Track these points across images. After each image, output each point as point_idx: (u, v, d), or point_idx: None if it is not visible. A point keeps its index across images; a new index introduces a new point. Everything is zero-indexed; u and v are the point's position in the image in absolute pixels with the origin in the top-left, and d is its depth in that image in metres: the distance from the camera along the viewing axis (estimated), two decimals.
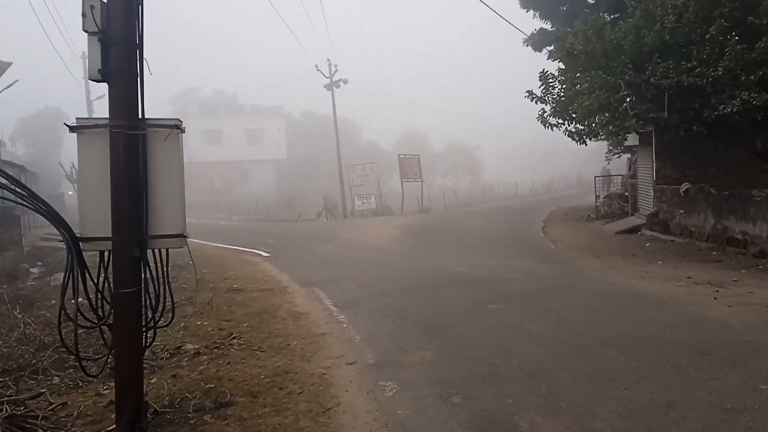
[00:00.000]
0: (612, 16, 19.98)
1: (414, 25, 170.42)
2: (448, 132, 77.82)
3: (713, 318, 7.33)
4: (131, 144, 4.34)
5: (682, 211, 15.98)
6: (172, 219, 4.56)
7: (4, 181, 4.05)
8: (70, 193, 36.96)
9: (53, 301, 10.67)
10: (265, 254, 15.90)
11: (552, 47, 25.28)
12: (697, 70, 12.22)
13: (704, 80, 12.09)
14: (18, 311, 9.72)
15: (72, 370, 6.58)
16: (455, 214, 29.02)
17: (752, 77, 11.20)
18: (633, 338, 6.49)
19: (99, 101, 32.50)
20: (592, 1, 23.40)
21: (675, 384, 5.02)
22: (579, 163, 76.57)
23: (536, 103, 15.69)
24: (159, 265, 4.66)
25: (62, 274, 12.58)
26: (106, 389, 5.92)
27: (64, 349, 7.06)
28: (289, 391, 5.52)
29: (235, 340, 7.32)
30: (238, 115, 59.40)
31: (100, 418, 5.16)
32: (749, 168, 16.08)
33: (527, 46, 26.24)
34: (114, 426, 4.94)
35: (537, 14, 25.86)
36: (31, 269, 15.20)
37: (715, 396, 4.70)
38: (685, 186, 15.77)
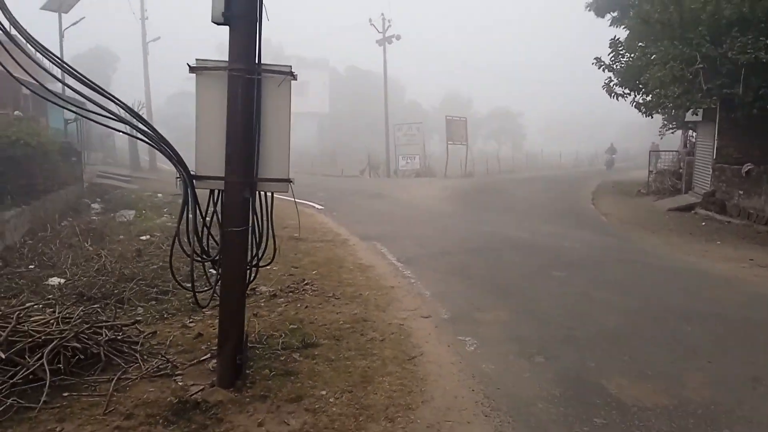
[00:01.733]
0: None
1: None
2: (492, 95, 76.64)
3: None
4: (248, 88, 4.44)
5: (741, 192, 15.60)
6: (280, 164, 4.70)
7: (134, 121, 4.25)
8: (120, 133, 37.67)
9: (121, 237, 11.07)
10: (319, 207, 16.16)
11: (615, 13, 24.55)
12: None
13: None
14: (89, 244, 10.16)
15: (155, 301, 6.93)
16: (500, 180, 28.82)
17: None
18: (707, 314, 6.50)
19: (154, 43, 32.67)
20: None
21: (758, 360, 5.07)
22: (625, 137, 74.81)
23: (603, 71, 15.34)
24: (264, 206, 4.81)
25: (128, 212, 12.98)
26: (191, 322, 6.22)
27: (144, 282, 7.52)
28: (370, 337, 5.72)
29: (308, 286, 7.55)
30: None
31: (191, 349, 5.43)
32: None
33: (589, 10, 25.41)
34: (207, 356, 5.27)
35: None
36: (92, 204, 15.71)
37: None
38: (747, 166, 15.34)
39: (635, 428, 3.95)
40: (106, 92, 4.24)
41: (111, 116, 4.34)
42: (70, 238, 10.45)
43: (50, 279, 7.82)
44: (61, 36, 24.38)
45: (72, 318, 5.17)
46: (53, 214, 12.26)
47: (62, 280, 7.68)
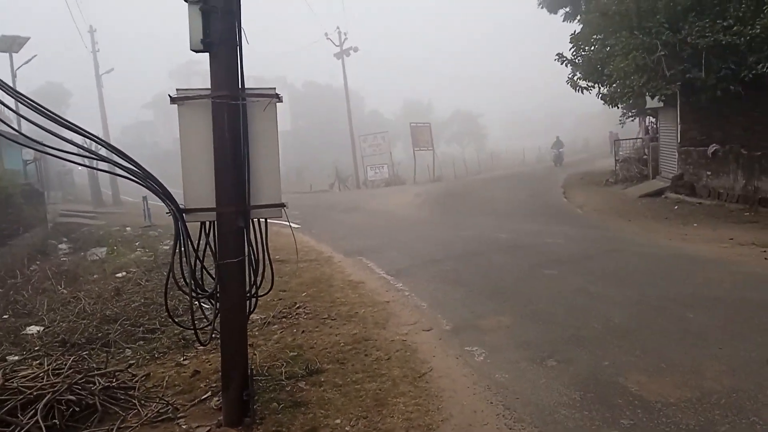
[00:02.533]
0: None
1: None
2: (451, 98, 77.34)
3: None
4: (233, 114, 4.30)
5: (709, 173, 15.92)
6: (272, 189, 4.56)
7: (118, 159, 4.04)
8: (80, 168, 36.74)
9: (95, 276, 10.73)
10: (295, 225, 15.90)
11: (568, 8, 24.95)
12: (734, 28, 12.07)
13: (741, 39, 11.94)
14: (63, 286, 9.79)
15: (142, 341, 6.66)
16: (469, 182, 28.94)
17: None
18: (705, 298, 6.52)
19: (107, 75, 32.03)
20: None
21: (767, 342, 5.06)
22: (582, 128, 76.23)
23: (566, 66, 15.50)
24: (258, 234, 4.64)
25: (99, 249, 12.60)
26: (185, 360, 5.98)
27: (129, 322, 7.23)
28: (375, 357, 5.56)
29: (300, 310, 7.37)
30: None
31: (190, 388, 5.20)
32: None
33: (542, 8, 25.80)
34: (208, 393, 5.04)
35: None
36: (59, 245, 15.24)
37: None
38: (713, 147, 15.67)
39: (663, 426, 3.87)
40: (87, 132, 4.01)
41: (91, 155, 4.12)
42: (42, 283, 10.07)
43: (28, 328, 7.50)
44: (14, 76, 23.81)
45: (62, 369, 4.89)
46: (21, 259, 11.83)
47: (41, 328, 7.37)
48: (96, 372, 5.17)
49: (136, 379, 5.38)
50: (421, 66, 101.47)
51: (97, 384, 4.87)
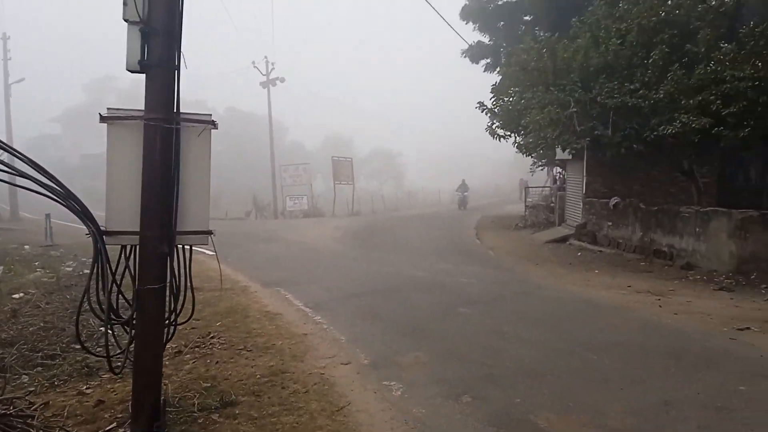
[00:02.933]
0: (546, 34, 20.94)
1: (347, 26, 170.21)
2: (372, 136, 78.62)
3: (668, 325, 7.93)
4: (166, 138, 4.25)
5: (610, 224, 16.99)
6: (200, 216, 4.53)
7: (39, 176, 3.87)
8: None
9: None
10: (210, 253, 15.47)
11: (489, 60, 26.26)
12: (640, 92, 13.15)
13: (646, 102, 13.02)
14: None
15: (41, 368, 6.25)
16: (387, 219, 29.36)
17: (691, 101, 12.19)
18: (607, 343, 6.93)
19: (17, 85, 30.23)
20: (529, 19, 24.39)
21: (664, 385, 5.45)
22: (495, 173, 79.50)
23: (486, 114, 16.25)
24: (181, 261, 4.55)
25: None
26: (87, 388, 5.68)
27: (26, 347, 6.78)
28: (292, 390, 5.51)
29: (215, 339, 7.18)
30: None
31: (93, 418, 4.94)
32: (671, 185, 17.50)
33: (465, 57, 26.97)
34: (113, 425, 4.81)
35: (476, 27, 26.59)
36: None
37: (703, 396, 5.14)
38: (614, 200, 16.78)
39: None
40: (6, 145, 3.83)
41: (11, 171, 3.92)
42: None
43: None
44: None
45: None
46: None
47: None
48: None
49: (35, 407, 5.03)
50: (344, 102, 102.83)
51: None
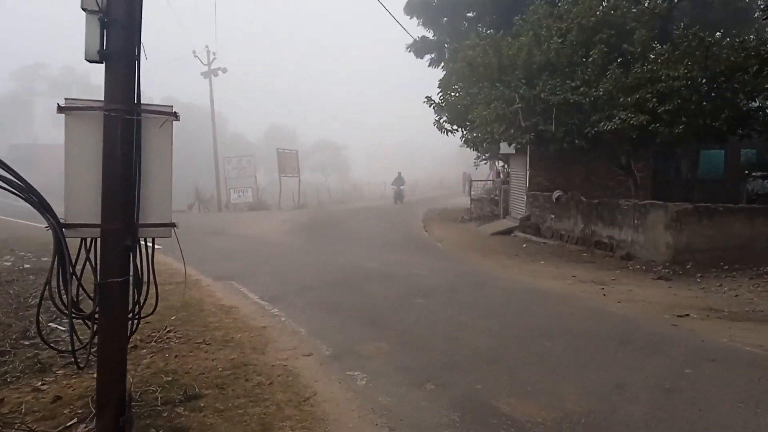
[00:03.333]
0: (489, 31, 21.39)
1: (290, 17, 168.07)
2: (316, 128, 78.18)
3: (613, 312, 8.33)
4: (127, 129, 4.17)
5: (553, 216, 17.56)
6: (162, 208, 4.46)
7: None
8: None
9: None
10: (157, 246, 15.11)
11: (433, 55, 26.60)
12: (581, 89, 13.65)
13: (587, 99, 13.53)
14: None
15: None
16: (334, 211, 29.33)
17: (629, 99, 12.75)
18: (557, 330, 7.22)
19: None
20: (472, 15, 24.83)
21: (615, 369, 5.75)
22: (439, 167, 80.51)
23: (433, 109, 16.47)
24: (143, 254, 4.49)
25: None
26: (42, 384, 5.51)
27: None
28: (256, 382, 5.51)
29: (171, 333, 7.06)
30: (91, 96, 54.85)
31: (52, 414, 4.83)
32: (609, 179, 18.23)
33: (410, 51, 27.21)
34: (74, 420, 4.71)
35: (420, 22, 26.86)
36: None
37: (652, 379, 5.45)
38: (557, 193, 17.34)
39: None
40: None
41: None
42: None
43: None
44: None
45: None
46: None
47: None
48: None
49: None
50: (288, 94, 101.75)
51: None
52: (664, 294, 9.71)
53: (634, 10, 15.18)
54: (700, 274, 11.27)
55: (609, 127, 13.02)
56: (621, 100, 12.94)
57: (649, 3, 15.31)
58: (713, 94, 12.87)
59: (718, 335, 7.05)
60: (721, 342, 6.75)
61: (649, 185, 18.07)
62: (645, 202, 13.61)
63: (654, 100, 12.66)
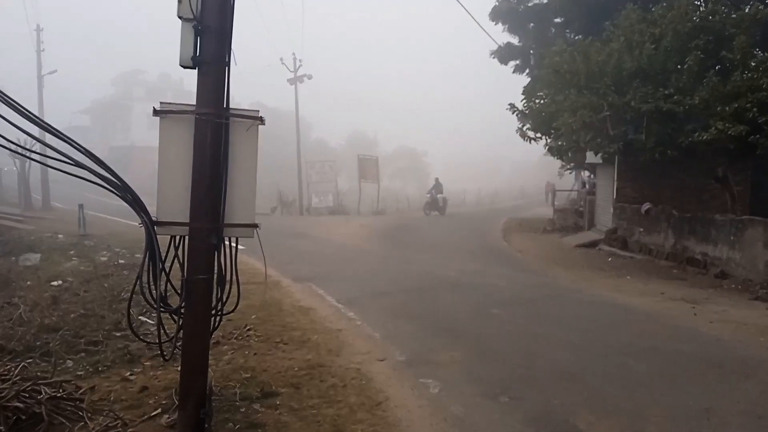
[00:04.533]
0: (577, 37, 20.78)
1: (376, 25, 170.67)
2: (396, 134, 78.69)
3: (704, 333, 7.85)
4: (216, 133, 4.33)
5: (641, 230, 16.80)
6: (246, 209, 4.62)
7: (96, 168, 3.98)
8: (5, 169, 34.75)
9: (29, 283, 10.22)
10: (241, 247, 15.69)
11: (518, 61, 26.14)
12: (675, 97, 13.01)
13: (681, 108, 12.88)
14: None
15: (84, 353, 6.43)
16: (412, 218, 29.37)
17: (727, 108, 12.02)
18: (642, 348, 6.89)
19: (50, 76, 30.97)
20: (560, 21, 24.19)
21: (703, 392, 5.41)
22: (518, 175, 79.08)
23: (517, 116, 16.19)
24: (228, 252, 4.66)
25: (32, 255, 12.00)
26: (131, 375, 5.81)
27: (69, 333, 6.96)
28: (331, 384, 5.59)
29: (251, 332, 7.30)
30: (184, 101, 57.80)
31: (138, 404, 5.08)
32: (703, 192, 17.22)
33: (494, 58, 26.81)
34: (158, 410, 4.93)
35: (506, 28, 26.42)
36: None
37: (743, 405, 5.10)
38: (646, 206, 16.58)
39: None
40: (67, 137, 3.95)
41: (69, 162, 4.03)
42: None
43: None
44: None
45: (9, 375, 4.67)
46: None
47: None
48: (41, 381, 4.97)
49: (82, 391, 5.18)
50: (369, 99, 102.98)
51: (44, 393, 4.68)
52: (760, 315, 9.05)
53: (733, 16, 14.31)
54: None
55: (704, 137, 12.32)
56: (718, 109, 12.21)
57: (750, 8, 14.38)
58: None
59: None
60: None
61: (747, 200, 16.90)
62: (743, 217, 12.76)
63: (754, 109, 11.88)
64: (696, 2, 16.16)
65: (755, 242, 11.91)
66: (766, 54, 12.68)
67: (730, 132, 11.79)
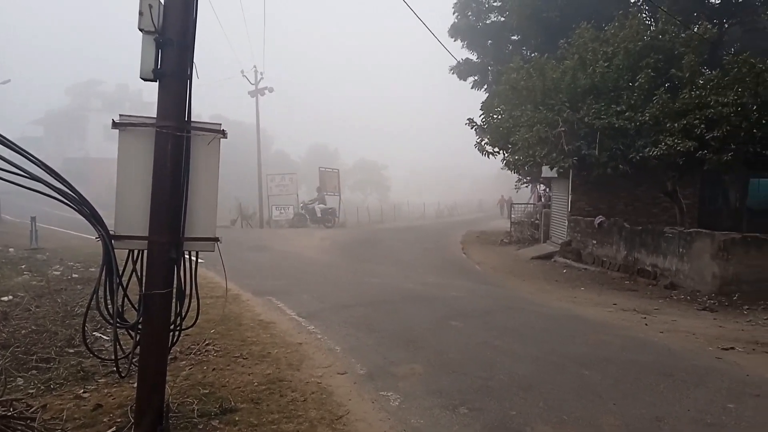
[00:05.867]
0: (534, 54, 21.32)
1: (337, 37, 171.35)
2: (357, 147, 78.98)
3: (655, 342, 8.11)
4: (177, 146, 4.33)
5: (594, 242, 17.24)
6: (207, 222, 4.61)
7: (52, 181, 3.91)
8: None
9: None
10: (199, 260, 15.45)
11: (476, 77, 26.63)
12: (627, 114, 13.48)
13: (632, 124, 13.34)
14: None
15: (35, 371, 6.23)
16: (374, 231, 29.47)
17: (676, 125, 12.52)
18: (597, 358, 7.07)
19: (2, 86, 30.01)
20: (517, 38, 24.79)
21: (655, 401, 5.59)
22: (477, 188, 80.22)
23: (476, 131, 16.49)
24: (187, 266, 4.63)
25: None
26: (84, 392, 5.67)
27: (20, 350, 6.74)
28: (291, 398, 5.55)
29: (210, 347, 7.20)
30: (143, 113, 56.69)
31: (92, 422, 4.96)
32: (653, 206, 17.82)
33: (453, 73, 27.28)
34: (113, 429, 4.83)
35: (464, 44, 26.95)
36: None
37: (693, 412, 5.29)
38: (599, 219, 17.04)
39: None
40: (20, 148, 3.86)
41: (23, 174, 3.94)
42: None
43: None
44: None
45: None
46: None
47: None
48: None
49: (33, 409, 5.03)
50: (331, 114, 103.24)
51: None
52: (708, 326, 9.42)
53: (682, 35, 14.95)
54: (747, 307, 10.90)
55: (655, 152, 12.80)
56: (668, 125, 12.71)
57: (698, 28, 15.05)
58: (764, 122, 12.52)
59: (764, 370, 6.80)
60: (767, 377, 6.51)
61: (695, 213, 17.59)
62: (691, 230, 13.26)
63: (702, 126, 12.41)
64: (647, 22, 16.84)
65: (703, 254, 12.37)
66: (713, 72, 13.24)
67: (679, 148, 12.27)
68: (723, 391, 5.91)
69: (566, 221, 19.56)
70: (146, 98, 62.10)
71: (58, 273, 12.17)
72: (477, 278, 14.79)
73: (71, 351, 6.79)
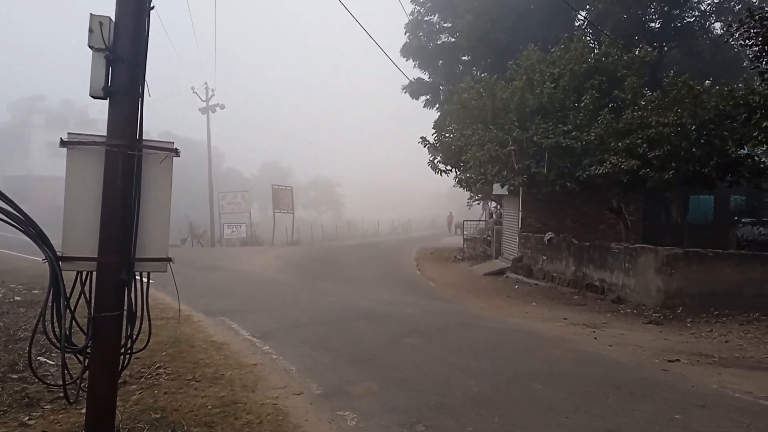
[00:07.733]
0: (483, 74, 21.84)
1: (291, 55, 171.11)
2: (311, 165, 78.88)
3: (605, 356, 8.33)
4: (128, 165, 4.25)
5: (545, 258, 17.65)
6: (159, 242, 4.53)
7: None
8: None
9: None
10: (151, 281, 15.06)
11: (428, 96, 27.08)
12: (573, 133, 13.93)
13: (578, 143, 13.78)
14: None
15: None
16: (328, 248, 29.34)
17: (620, 144, 12.99)
18: (550, 373, 7.21)
19: None
20: (467, 59, 25.36)
21: (605, 413, 5.73)
22: (431, 205, 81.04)
23: (428, 149, 16.71)
24: (138, 288, 4.54)
25: None
26: (29, 419, 5.45)
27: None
28: (246, 421, 5.46)
29: (161, 370, 7.01)
30: (89, 130, 55.29)
31: None
32: (600, 222, 18.40)
33: (405, 92, 27.68)
34: None
35: (416, 64, 27.40)
36: None
37: (643, 424, 5.45)
38: (549, 235, 17.47)
39: None
40: None
41: None
42: None
43: None
44: None
45: None
46: None
47: None
48: None
49: None
50: (284, 132, 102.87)
51: None
52: (654, 338, 9.74)
53: (625, 58, 15.59)
54: (690, 319, 11.32)
55: (600, 171, 13.23)
56: (612, 144, 13.18)
57: (639, 51, 15.74)
58: (702, 141, 13.15)
59: (708, 381, 7.06)
60: (711, 388, 6.76)
61: (639, 229, 18.25)
62: (635, 245, 13.72)
63: (644, 145, 12.91)
64: (591, 44, 17.50)
65: (647, 269, 12.81)
66: (654, 94, 13.85)
67: (623, 166, 12.72)
68: (670, 402, 6.11)
69: (517, 238, 19.95)
70: (92, 114, 60.66)
71: (0, 296, 11.66)
72: (431, 295, 14.90)
73: (15, 377, 6.51)
